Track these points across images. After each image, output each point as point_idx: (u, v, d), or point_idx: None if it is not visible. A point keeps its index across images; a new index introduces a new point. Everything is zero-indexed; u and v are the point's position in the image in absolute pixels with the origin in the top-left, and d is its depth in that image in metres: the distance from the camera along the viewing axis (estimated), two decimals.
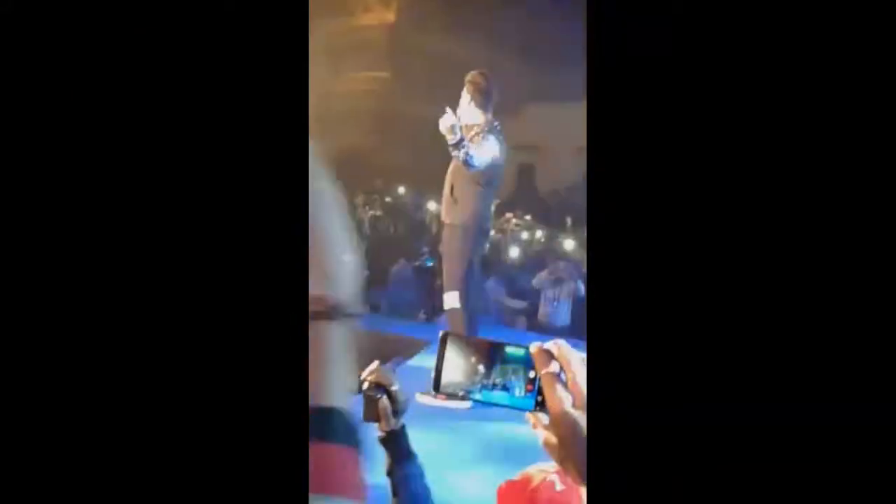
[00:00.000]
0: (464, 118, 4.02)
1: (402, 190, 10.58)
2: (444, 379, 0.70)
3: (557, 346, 0.71)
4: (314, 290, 0.47)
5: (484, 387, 0.70)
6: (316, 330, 0.47)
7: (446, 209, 4.21)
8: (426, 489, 1.31)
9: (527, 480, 1.05)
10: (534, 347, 0.70)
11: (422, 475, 1.31)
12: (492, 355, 0.70)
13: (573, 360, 0.70)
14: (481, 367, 0.70)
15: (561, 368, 0.68)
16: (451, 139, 3.82)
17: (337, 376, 0.48)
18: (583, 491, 0.69)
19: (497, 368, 0.70)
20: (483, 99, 4.06)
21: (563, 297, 6.71)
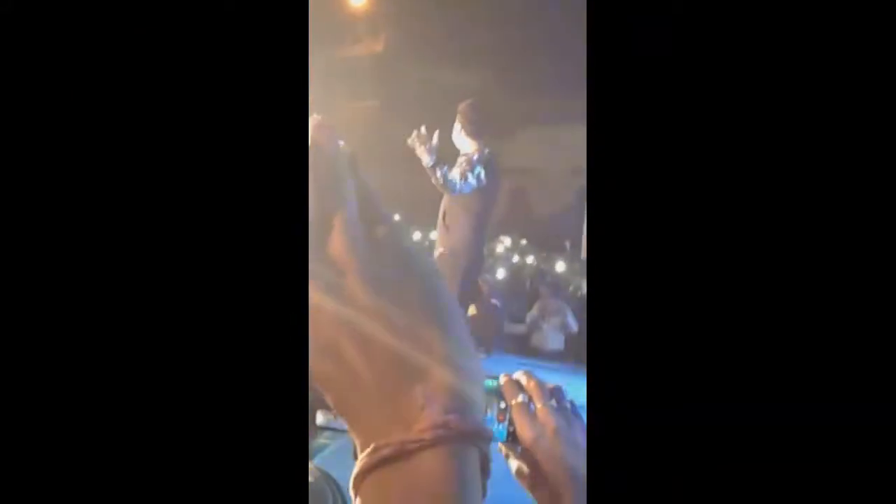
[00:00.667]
0: (457, 145, 4.04)
1: (396, 217, 10.57)
2: None
3: (527, 376, 0.73)
4: (439, 415, 0.38)
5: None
6: (445, 457, 0.38)
7: (439, 236, 4.21)
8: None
9: None
10: (503, 378, 0.72)
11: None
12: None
13: (543, 390, 0.72)
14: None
15: (530, 399, 0.70)
16: (424, 161, 3.83)
17: None
18: None
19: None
20: (473, 128, 4.10)
21: (554, 325, 6.73)
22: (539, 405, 0.71)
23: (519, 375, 0.73)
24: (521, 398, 0.71)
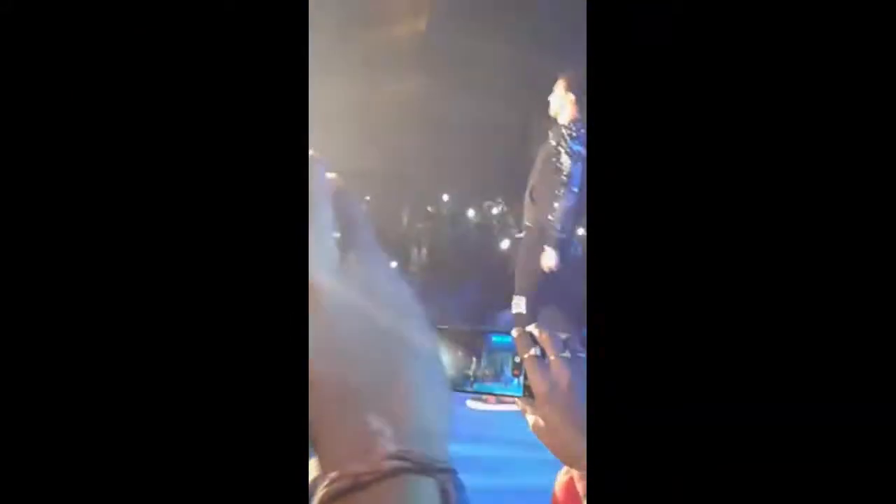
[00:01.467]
0: (559, 113, 4.05)
1: (445, 198, 10.61)
2: (461, 377, 0.70)
3: (539, 328, 0.71)
4: (391, 445, 0.37)
5: (475, 378, 0.69)
6: (401, 490, 0.37)
7: (526, 210, 4.18)
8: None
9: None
10: (515, 332, 0.70)
11: (462, 489, 1.24)
12: (478, 344, 0.70)
13: (555, 341, 0.70)
14: (471, 358, 0.69)
15: (543, 352, 0.69)
16: (567, 151, 3.83)
17: None
18: (576, 473, 0.68)
19: (485, 357, 0.69)
20: (580, 95, 4.11)
21: None
22: (552, 357, 0.70)
23: (531, 328, 0.72)
24: (533, 351, 0.70)
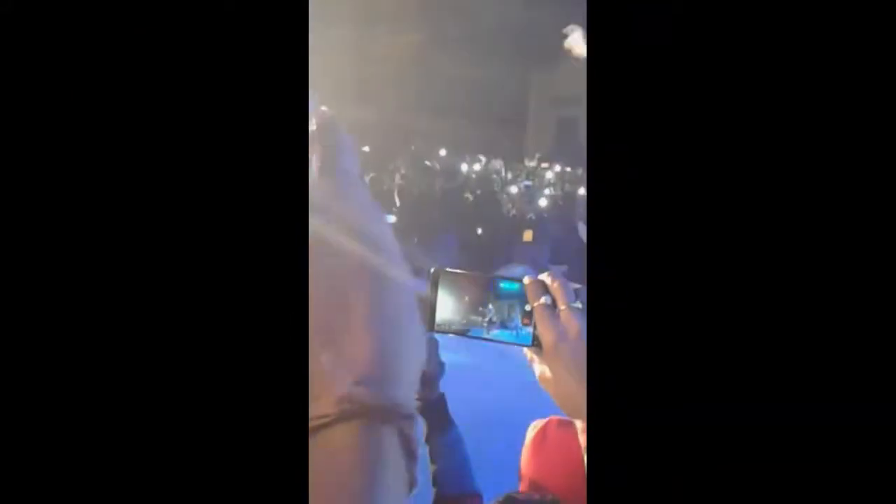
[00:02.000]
0: (574, 48, 4.21)
1: (443, 152, 10.51)
2: (439, 317, 0.67)
3: (552, 276, 0.69)
4: (345, 388, 0.35)
5: (482, 324, 0.67)
6: (351, 434, 0.35)
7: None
8: (466, 458, 1.26)
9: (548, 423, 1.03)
10: (527, 279, 0.68)
11: (461, 442, 1.27)
12: (486, 290, 0.68)
13: (566, 290, 0.68)
14: (477, 304, 0.67)
15: (554, 301, 0.68)
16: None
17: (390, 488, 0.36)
18: (580, 424, 0.67)
19: (493, 304, 0.67)
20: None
21: None
22: (563, 307, 0.67)
23: (543, 276, 0.69)
24: (544, 300, 0.67)
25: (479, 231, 7.03)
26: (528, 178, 9.74)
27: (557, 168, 10.64)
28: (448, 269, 0.67)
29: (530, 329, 0.67)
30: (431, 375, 1.23)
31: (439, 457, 1.25)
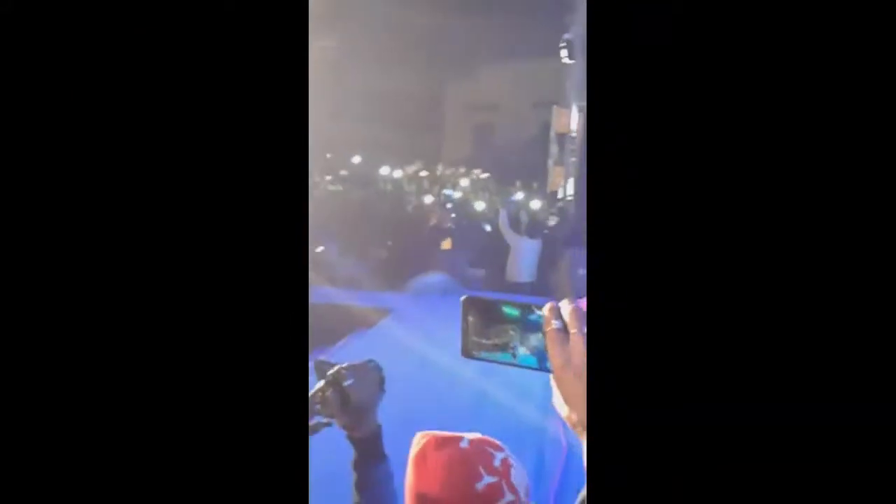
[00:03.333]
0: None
1: (357, 160, 10.51)
2: (471, 344, 0.69)
3: (568, 302, 0.69)
4: None
5: (512, 349, 0.69)
6: None
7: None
8: (393, 495, 1.22)
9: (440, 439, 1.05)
10: (547, 307, 0.69)
11: (391, 478, 1.22)
12: (514, 317, 0.69)
13: (579, 316, 0.68)
14: (508, 330, 0.69)
15: (565, 326, 0.68)
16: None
17: None
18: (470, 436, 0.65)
19: (520, 330, 0.69)
20: None
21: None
22: (573, 331, 0.67)
23: (563, 304, 0.70)
24: (555, 324, 0.68)
25: (389, 243, 7.03)
26: (445, 186, 9.83)
27: (474, 175, 10.78)
28: (477, 298, 0.70)
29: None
30: (368, 404, 1.16)
31: (364, 488, 1.20)
